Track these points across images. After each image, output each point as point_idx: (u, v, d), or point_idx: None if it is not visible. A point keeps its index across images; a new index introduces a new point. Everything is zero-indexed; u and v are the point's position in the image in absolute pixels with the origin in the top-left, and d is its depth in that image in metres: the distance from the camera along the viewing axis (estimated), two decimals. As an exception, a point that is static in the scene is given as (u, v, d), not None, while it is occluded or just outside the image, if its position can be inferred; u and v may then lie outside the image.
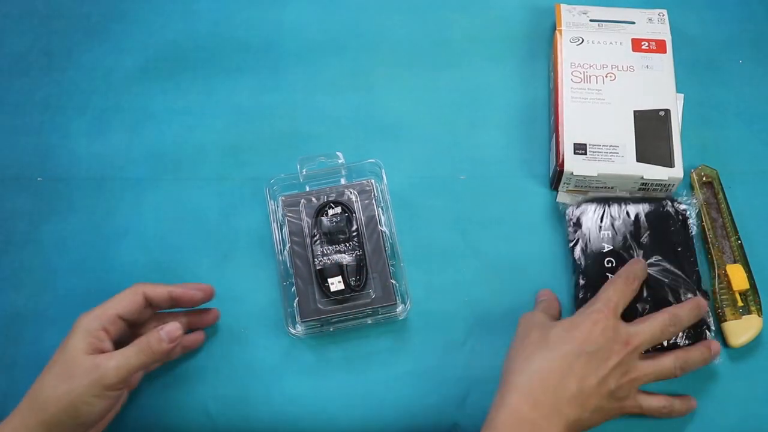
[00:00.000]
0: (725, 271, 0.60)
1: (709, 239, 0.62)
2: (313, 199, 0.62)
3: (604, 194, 0.63)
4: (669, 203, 0.62)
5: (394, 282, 0.60)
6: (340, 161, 0.64)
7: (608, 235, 0.61)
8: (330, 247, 0.60)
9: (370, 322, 0.60)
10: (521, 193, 0.66)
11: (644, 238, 0.60)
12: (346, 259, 0.60)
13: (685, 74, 0.68)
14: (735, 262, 0.61)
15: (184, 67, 0.71)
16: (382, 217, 0.62)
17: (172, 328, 0.52)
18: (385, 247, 0.61)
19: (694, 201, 0.62)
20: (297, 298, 0.60)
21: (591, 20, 0.68)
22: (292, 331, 0.60)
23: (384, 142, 0.68)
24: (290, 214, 0.62)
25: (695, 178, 0.64)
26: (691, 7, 0.73)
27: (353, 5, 0.74)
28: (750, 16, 0.72)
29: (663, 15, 0.68)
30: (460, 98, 0.70)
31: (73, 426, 0.49)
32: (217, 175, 0.67)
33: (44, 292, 0.63)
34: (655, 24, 0.68)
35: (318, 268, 0.60)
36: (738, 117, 0.68)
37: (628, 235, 0.60)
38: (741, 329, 0.59)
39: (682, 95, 0.67)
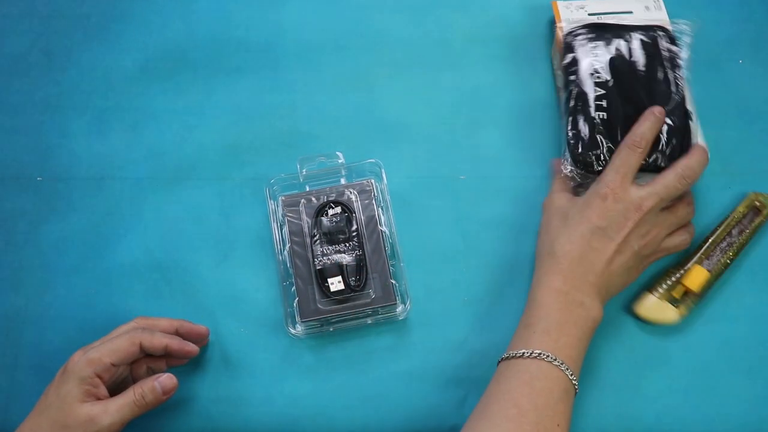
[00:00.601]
0: (694, 267, 0.60)
1: (710, 240, 0.62)
2: (313, 199, 0.62)
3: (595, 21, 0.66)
4: (660, 31, 0.64)
5: (393, 282, 0.60)
6: (340, 161, 0.64)
7: (600, 54, 0.63)
8: (330, 247, 0.60)
9: (370, 322, 0.60)
10: (521, 193, 0.66)
11: (634, 59, 0.62)
12: (345, 259, 0.60)
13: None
14: (709, 271, 0.60)
15: (184, 67, 0.71)
16: (382, 217, 0.62)
17: (168, 381, 0.53)
18: (385, 247, 0.61)
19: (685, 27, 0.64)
20: (297, 298, 0.60)
21: (589, 14, 0.69)
22: (292, 331, 0.60)
23: (384, 142, 0.68)
24: (290, 214, 0.62)
25: (749, 198, 0.63)
26: (691, 7, 0.73)
27: (353, 5, 0.74)
28: (750, 16, 0.72)
29: (659, 1, 0.69)
30: (460, 98, 0.70)
31: None
32: (217, 175, 0.67)
33: (44, 292, 0.63)
34: (653, 12, 0.68)
35: (318, 268, 0.60)
36: (738, 117, 0.68)
37: (620, 57, 0.62)
38: (656, 310, 0.60)
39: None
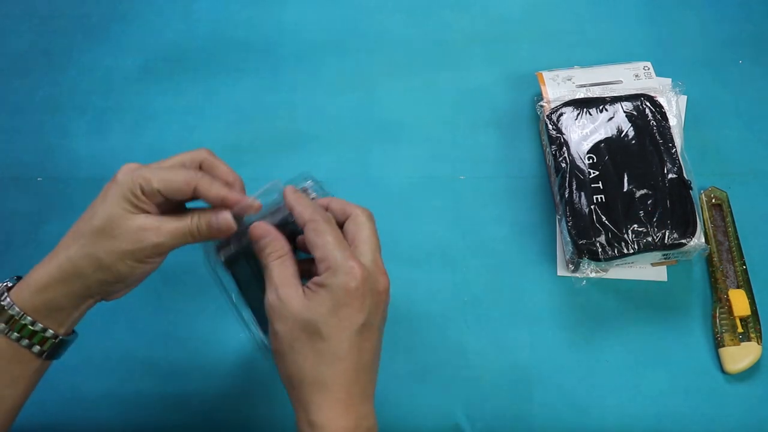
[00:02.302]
0: (727, 295, 0.60)
1: (714, 262, 0.62)
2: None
3: (582, 96, 0.64)
4: (646, 101, 0.63)
5: None
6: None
7: (588, 133, 0.62)
8: None
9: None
10: (521, 193, 0.66)
11: (625, 135, 0.61)
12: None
13: (685, 74, 0.68)
14: (738, 287, 0.61)
15: (184, 67, 0.71)
16: None
17: (225, 219, 0.45)
18: None
19: (671, 93, 0.63)
20: None
21: (577, 86, 0.66)
22: None
23: (384, 142, 0.68)
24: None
25: (704, 199, 0.63)
26: (691, 7, 0.73)
27: (353, 5, 0.74)
28: (750, 16, 0.72)
29: (648, 68, 0.67)
30: (460, 98, 0.70)
31: (113, 283, 0.46)
32: (217, 175, 0.67)
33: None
34: (642, 80, 0.66)
35: None
36: (738, 117, 0.68)
37: (609, 134, 0.62)
38: (739, 356, 0.58)
39: (685, 97, 0.67)
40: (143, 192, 0.44)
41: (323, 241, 0.43)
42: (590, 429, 0.58)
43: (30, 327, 0.44)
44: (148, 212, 0.45)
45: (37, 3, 0.75)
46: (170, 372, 0.60)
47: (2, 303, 0.44)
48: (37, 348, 0.44)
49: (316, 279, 0.43)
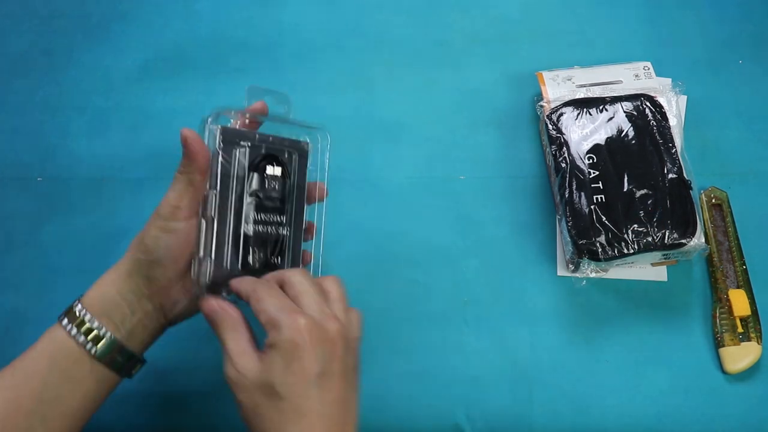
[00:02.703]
0: (727, 295, 0.60)
1: (714, 262, 0.62)
2: (251, 144, 0.50)
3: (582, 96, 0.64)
4: (646, 101, 0.62)
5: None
6: (286, 108, 0.54)
7: (588, 133, 0.62)
8: (263, 214, 0.50)
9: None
10: (521, 193, 0.66)
11: (625, 135, 0.61)
12: (272, 230, 0.51)
13: (685, 74, 0.68)
14: (738, 287, 0.61)
15: (184, 67, 0.71)
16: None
17: (186, 131, 0.48)
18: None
19: (672, 93, 0.63)
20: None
21: (577, 86, 0.66)
22: None
23: (384, 142, 0.68)
24: (225, 155, 0.49)
25: (704, 199, 0.63)
26: (691, 7, 0.73)
27: (353, 5, 0.74)
28: (750, 16, 0.72)
29: (648, 68, 0.67)
30: (460, 98, 0.70)
31: (151, 264, 0.47)
32: (217, 175, 0.67)
33: (44, 292, 0.63)
34: (642, 80, 0.67)
35: (247, 233, 0.49)
36: (738, 117, 0.68)
37: (609, 134, 0.62)
38: (739, 356, 0.58)
39: (685, 97, 0.67)
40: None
41: (264, 306, 0.44)
42: (590, 429, 0.58)
43: (86, 322, 0.45)
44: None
45: (37, 3, 0.75)
46: (170, 372, 0.60)
47: (75, 304, 0.47)
48: (90, 345, 0.45)
49: (266, 340, 0.43)
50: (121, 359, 0.47)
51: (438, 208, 0.65)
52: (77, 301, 0.47)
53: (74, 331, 0.45)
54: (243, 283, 0.46)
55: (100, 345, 0.45)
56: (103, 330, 0.45)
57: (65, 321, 0.46)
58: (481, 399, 0.59)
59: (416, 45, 0.72)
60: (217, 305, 0.45)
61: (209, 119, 0.48)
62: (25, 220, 0.66)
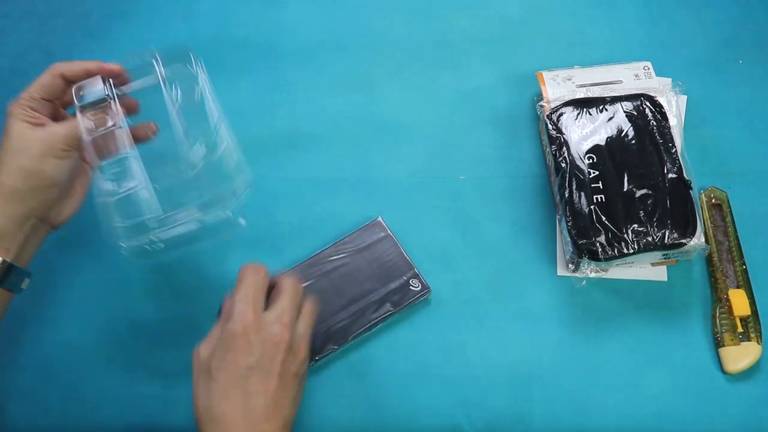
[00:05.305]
0: (727, 295, 0.60)
1: (714, 262, 0.61)
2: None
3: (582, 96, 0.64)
4: (646, 101, 0.62)
5: None
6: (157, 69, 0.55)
7: (588, 133, 0.62)
8: None
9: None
10: (520, 193, 0.66)
11: (625, 135, 0.61)
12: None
13: (685, 74, 0.68)
14: (738, 287, 0.61)
15: (184, 67, 0.71)
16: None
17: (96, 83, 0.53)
18: None
19: (672, 93, 0.63)
20: None
21: (577, 86, 0.66)
22: None
23: (384, 142, 0.68)
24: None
25: (704, 199, 0.63)
26: (691, 7, 0.73)
27: (353, 5, 0.74)
28: (750, 16, 0.72)
29: (648, 68, 0.67)
30: (460, 98, 0.70)
31: (42, 189, 0.51)
32: (217, 175, 0.67)
33: (45, 292, 0.63)
34: (642, 80, 0.66)
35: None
36: (738, 117, 0.68)
37: (609, 134, 0.62)
38: (739, 356, 0.58)
39: (685, 97, 0.67)
40: (31, 108, 0.52)
41: (236, 291, 0.50)
42: (590, 429, 0.58)
43: None
44: (45, 124, 0.52)
45: (37, 3, 0.75)
46: (170, 372, 0.60)
47: None
48: None
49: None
50: (14, 278, 0.50)
51: (438, 208, 0.65)
52: None
53: None
54: (246, 266, 0.52)
55: None
56: None
57: None
58: (481, 399, 0.59)
59: (416, 45, 0.72)
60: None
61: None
62: (25, 220, 0.66)
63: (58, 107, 0.55)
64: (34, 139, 0.50)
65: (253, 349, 0.48)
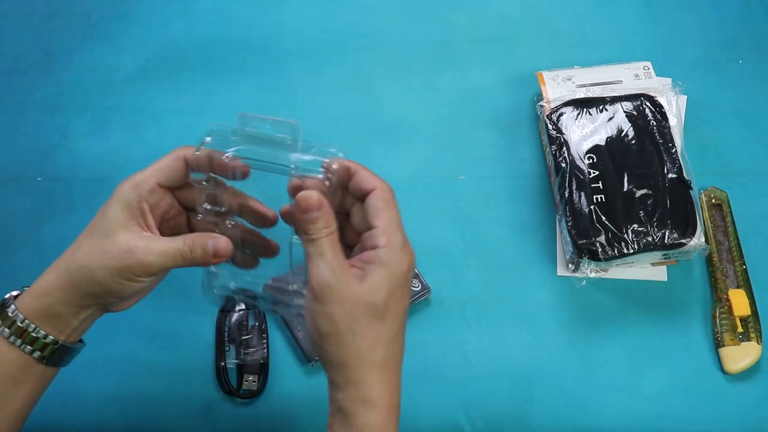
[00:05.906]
0: (727, 295, 0.60)
1: (714, 262, 0.61)
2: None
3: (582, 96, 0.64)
4: (646, 101, 0.62)
5: None
6: (289, 142, 0.44)
7: (588, 133, 0.62)
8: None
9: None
10: (520, 193, 0.66)
11: (625, 135, 0.61)
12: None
13: (685, 74, 0.68)
14: (738, 287, 0.61)
15: (184, 67, 0.71)
16: None
17: (223, 244, 0.45)
18: None
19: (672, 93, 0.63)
20: None
21: (577, 86, 0.66)
22: None
23: (384, 142, 0.68)
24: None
25: (704, 199, 0.63)
26: (691, 7, 0.73)
27: (353, 5, 0.74)
28: (750, 16, 0.72)
29: (648, 68, 0.67)
30: (460, 98, 0.70)
31: (105, 297, 0.45)
32: (217, 175, 0.67)
33: (44, 292, 0.63)
34: (642, 80, 0.66)
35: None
36: (738, 117, 0.68)
37: (609, 134, 0.62)
38: (739, 356, 0.58)
39: (685, 97, 0.67)
40: (144, 199, 0.45)
41: (389, 215, 0.43)
42: (590, 429, 0.58)
43: (31, 333, 0.43)
44: (144, 228, 0.45)
45: (37, 3, 0.75)
46: (170, 372, 0.60)
47: (7, 310, 0.44)
48: (38, 353, 0.44)
49: (368, 256, 0.42)
50: (66, 357, 0.46)
51: (438, 208, 0.65)
52: (14, 309, 0.44)
53: (18, 342, 0.43)
54: (366, 170, 0.46)
55: (46, 351, 0.44)
56: (50, 338, 0.44)
57: (6, 331, 0.43)
58: (481, 399, 0.59)
59: (416, 45, 0.72)
60: (322, 202, 0.42)
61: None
62: (25, 220, 0.66)
63: (174, 200, 0.48)
64: (115, 247, 0.44)
65: (409, 288, 0.44)
